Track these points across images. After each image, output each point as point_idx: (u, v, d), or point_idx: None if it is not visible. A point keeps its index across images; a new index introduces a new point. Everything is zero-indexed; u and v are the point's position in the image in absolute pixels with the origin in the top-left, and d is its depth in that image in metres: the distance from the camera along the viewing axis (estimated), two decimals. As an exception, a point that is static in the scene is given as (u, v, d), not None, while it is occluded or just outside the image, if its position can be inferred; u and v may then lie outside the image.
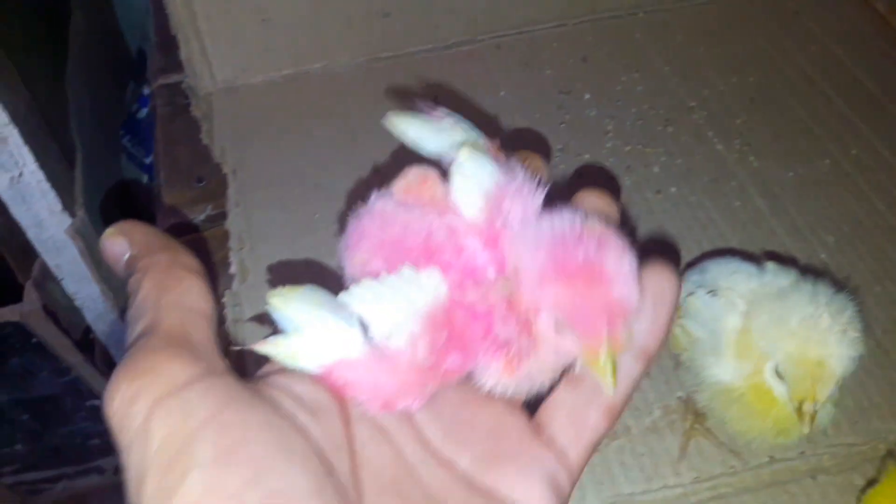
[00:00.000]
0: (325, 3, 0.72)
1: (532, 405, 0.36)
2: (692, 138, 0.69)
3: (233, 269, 0.61)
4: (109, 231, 0.32)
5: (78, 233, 0.80)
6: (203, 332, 0.29)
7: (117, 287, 0.90)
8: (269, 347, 0.30)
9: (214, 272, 0.61)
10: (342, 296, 0.32)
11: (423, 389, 0.31)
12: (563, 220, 0.30)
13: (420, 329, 0.30)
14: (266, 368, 0.32)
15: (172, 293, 0.29)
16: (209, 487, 0.24)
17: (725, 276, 0.47)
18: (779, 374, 0.43)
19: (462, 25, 0.78)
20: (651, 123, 0.70)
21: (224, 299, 0.59)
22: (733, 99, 0.72)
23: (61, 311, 0.93)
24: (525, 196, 0.32)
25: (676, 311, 0.36)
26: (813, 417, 0.42)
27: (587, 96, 0.73)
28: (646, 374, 0.33)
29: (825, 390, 0.42)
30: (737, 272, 0.47)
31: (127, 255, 0.31)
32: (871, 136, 0.69)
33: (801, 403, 0.42)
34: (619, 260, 0.30)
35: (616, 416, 0.33)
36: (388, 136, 0.62)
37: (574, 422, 0.32)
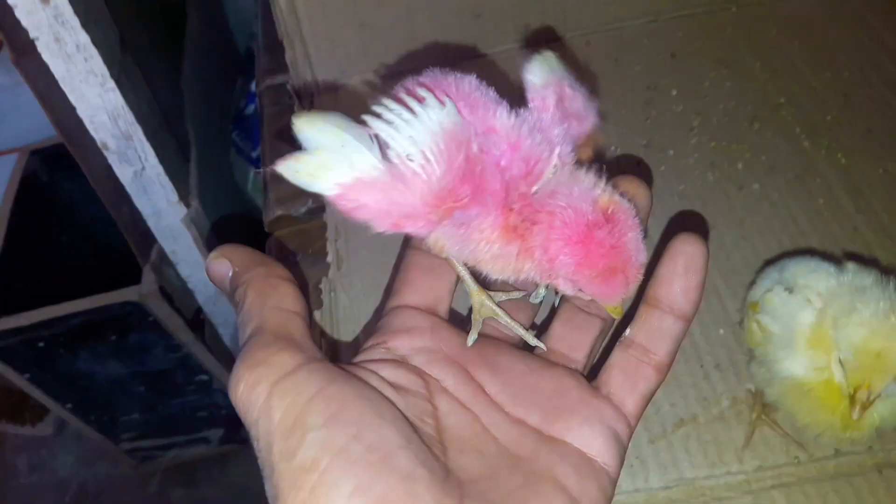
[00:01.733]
0: (418, 8, 0.77)
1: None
2: (779, 135, 0.70)
3: (329, 257, 0.67)
4: (213, 255, 0.40)
5: (192, 222, 0.88)
6: (300, 329, 0.37)
7: (226, 272, 0.99)
8: (290, 163, 0.37)
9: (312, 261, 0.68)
10: (366, 118, 0.37)
11: (433, 214, 0.36)
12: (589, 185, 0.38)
13: (437, 148, 0.35)
14: (358, 357, 0.40)
15: (272, 299, 0.38)
16: (323, 444, 0.31)
17: (804, 274, 0.49)
18: (841, 364, 0.45)
19: (552, 22, 0.82)
20: (737, 120, 0.72)
21: (321, 285, 0.65)
22: (825, 95, 0.73)
23: (176, 293, 1.02)
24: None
25: (705, 275, 0.42)
26: (866, 406, 0.44)
27: (674, 92, 0.75)
28: (686, 332, 0.42)
29: (882, 382, 0.44)
30: (815, 271, 0.49)
31: (231, 273, 0.39)
32: (968, 132, 0.69)
33: (856, 390, 0.44)
34: (630, 232, 0.37)
35: (665, 371, 0.41)
36: None
37: (628, 377, 0.40)
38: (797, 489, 0.51)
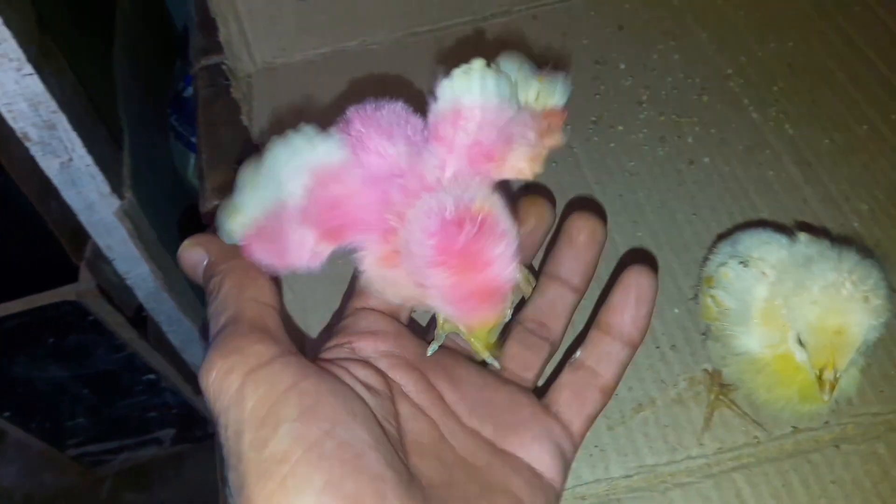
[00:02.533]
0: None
1: (539, 392, 0.44)
2: (728, 107, 0.70)
3: (273, 247, 0.65)
4: (187, 242, 0.41)
5: (126, 214, 0.85)
6: (276, 322, 0.38)
7: (166, 267, 0.96)
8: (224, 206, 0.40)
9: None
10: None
11: (314, 248, 0.37)
12: (454, 200, 0.36)
13: (312, 181, 0.37)
14: (326, 355, 0.40)
15: (250, 290, 0.38)
16: (296, 437, 0.31)
17: (757, 246, 0.49)
18: (800, 342, 0.45)
19: (497, -2, 0.80)
20: (686, 93, 0.72)
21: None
22: (771, 65, 0.73)
23: (114, 291, 0.99)
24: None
25: (654, 305, 0.45)
26: (833, 385, 0.43)
27: (622, 66, 0.74)
28: (631, 359, 0.45)
29: (845, 358, 0.43)
30: (768, 242, 0.49)
31: (205, 262, 0.40)
32: (913, 99, 0.69)
33: (821, 371, 0.43)
34: (497, 244, 0.35)
35: (610, 394, 0.44)
36: (424, 111, 0.65)
37: (576, 398, 0.42)
38: (757, 470, 0.50)
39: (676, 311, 0.58)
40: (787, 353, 0.45)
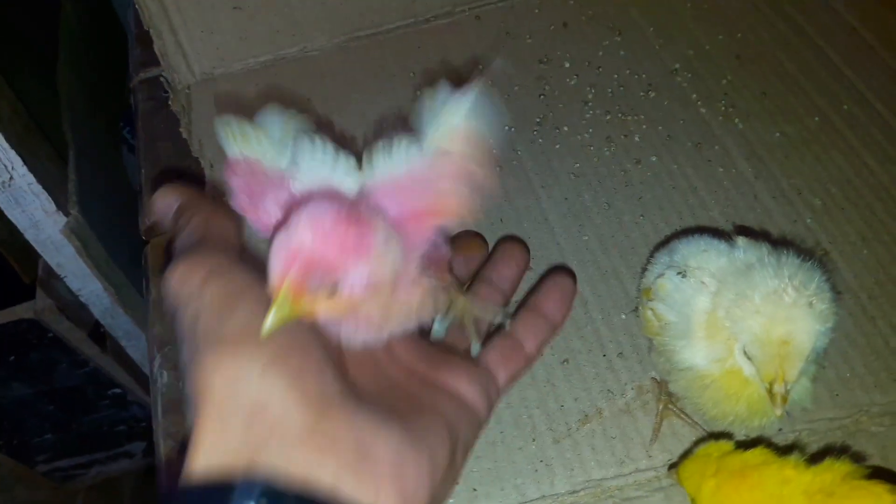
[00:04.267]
0: (292, -15, 0.72)
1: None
2: (675, 103, 0.67)
3: (211, 265, 0.62)
4: (161, 190, 0.44)
5: (73, 232, 0.81)
6: (235, 255, 0.39)
7: (118, 284, 0.92)
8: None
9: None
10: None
11: (272, 222, 0.39)
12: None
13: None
14: None
15: (216, 226, 0.40)
16: (250, 321, 0.33)
17: (694, 255, 0.46)
18: (747, 355, 0.42)
19: (439, -2, 0.77)
20: (633, 90, 0.69)
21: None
22: (720, 58, 0.71)
23: (70, 308, 0.95)
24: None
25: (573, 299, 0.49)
26: (784, 399, 0.41)
27: (567, 65, 0.72)
28: (553, 338, 0.48)
29: (794, 369, 0.40)
30: (706, 250, 0.46)
31: (177, 205, 0.43)
32: (864, 88, 0.67)
33: (771, 384, 0.41)
34: (362, 240, 0.35)
35: (531, 362, 0.47)
36: (366, 117, 0.62)
37: (503, 358, 0.45)
38: (706, 481, 0.48)
39: (623, 316, 0.55)
40: (735, 368, 0.42)
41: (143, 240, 0.66)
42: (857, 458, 0.47)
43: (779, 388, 0.40)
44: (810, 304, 0.40)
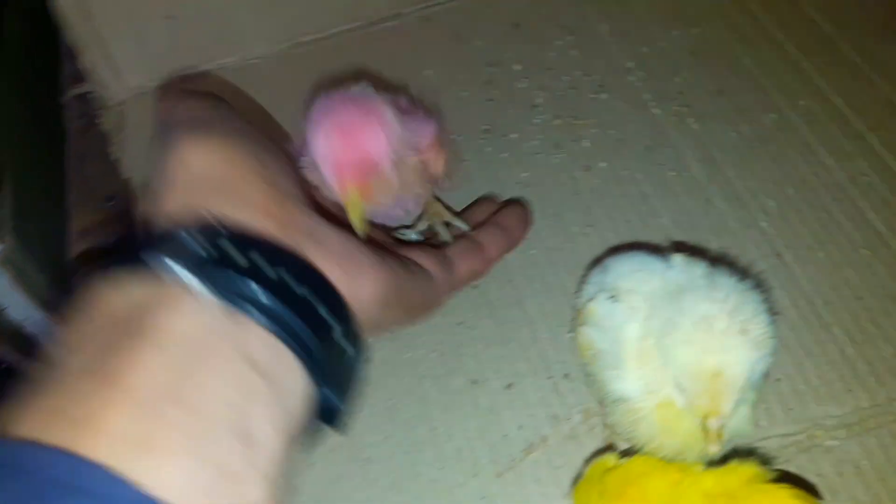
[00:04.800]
0: (229, -8, 0.70)
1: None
2: (627, 104, 0.65)
3: (144, 291, 0.60)
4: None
5: (8, 260, 0.79)
6: None
7: (58, 312, 0.89)
8: None
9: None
10: None
11: None
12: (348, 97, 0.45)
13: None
14: None
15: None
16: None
17: (627, 276, 0.43)
18: (679, 388, 0.39)
19: (387, 0, 0.75)
20: (584, 92, 0.67)
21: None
22: (674, 55, 0.69)
23: (18, 339, 0.93)
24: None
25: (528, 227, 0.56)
26: (719, 434, 0.38)
27: (517, 67, 0.69)
28: (508, 251, 0.53)
29: (727, 403, 0.37)
30: (639, 271, 0.43)
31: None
32: (822, 83, 0.65)
33: (704, 420, 0.38)
34: (375, 123, 0.43)
35: (490, 265, 0.51)
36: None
37: (463, 252, 0.48)
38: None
39: (570, 334, 0.53)
40: (669, 400, 0.40)
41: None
42: (765, 461, 0.45)
43: (712, 424, 0.38)
44: (744, 331, 0.38)
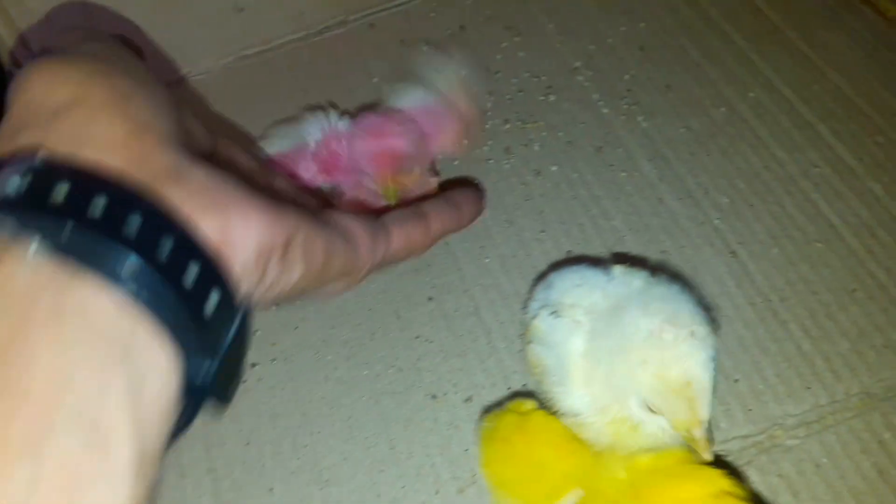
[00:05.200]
0: (168, 11, 0.67)
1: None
2: (576, 105, 0.64)
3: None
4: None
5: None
6: None
7: None
8: None
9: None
10: None
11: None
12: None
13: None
14: None
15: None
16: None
17: (569, 291, 0.42)
18: (650, 409, 0.39)
19: (329, 8, 0.73)
20: (532, 94, 0.66)
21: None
22: (622, 51, 0.68)
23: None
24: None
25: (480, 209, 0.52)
26: (708, 441, 0.38)
27: (465, 72, 0.68)
28: (456, 230, 0.49)
29: (705, 408, 0.37)
30: (580, 285, 0.42)
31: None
32: (772, 74, 0.64)
33: (687, 432, 0.38)
34: (398, 126, 0.56)
35: (429, 239, 0.45)
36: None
37: (402, 218, 0.43)
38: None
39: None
40: (621, 416, 0.39)
41: None
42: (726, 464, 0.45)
43: (699, 433, 0.37)
44: (692, 334, 0.37)
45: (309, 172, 0.57)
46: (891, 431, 0.47)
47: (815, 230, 0.55)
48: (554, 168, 0.60)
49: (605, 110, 0.64)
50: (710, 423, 0.38)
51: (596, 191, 0.59)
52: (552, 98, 0.65)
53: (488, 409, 0.50)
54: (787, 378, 0.49)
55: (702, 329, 0.38)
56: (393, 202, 0.54)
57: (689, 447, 0.39)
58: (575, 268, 0.45)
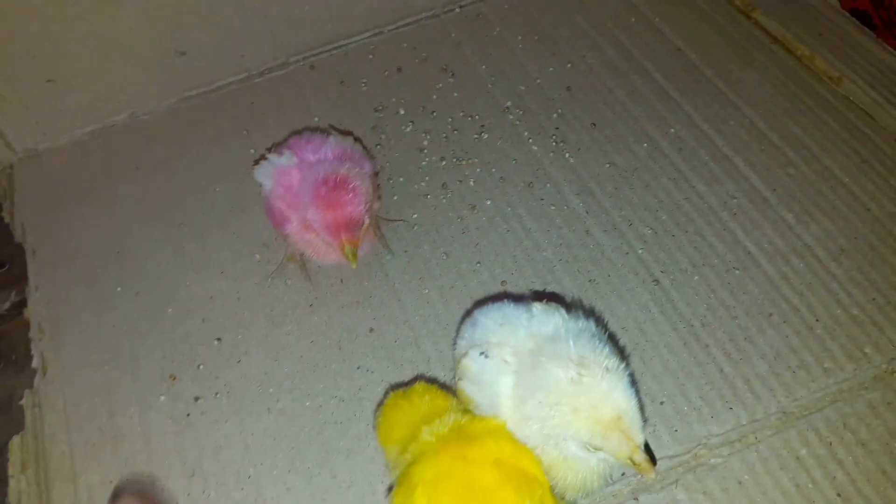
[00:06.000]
0: (109, 55, 0.67)
1: None
2: (507, 143, 0.66)
3: (35, 362, 0.57)
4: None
5: None
6: None
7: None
8: None
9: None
10: None
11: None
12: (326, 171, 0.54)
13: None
14: None
15: None
16: None
17: (494, 330, 0.44)
18: (592, 448, 0.40)
19: (270, 50, 0.74)
20: (467, 132, 0.67)
21: (22, 401, 0.55)
22: (550, 91, 0.70)
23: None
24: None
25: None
26: (651, 460, 0.39)
27: (402, 111, 0.69)
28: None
29: (639, 433, 0.39)
30: (504, 324, 0.44)
31: None
32: (691, 110, 0.67)
33: (629, 459, 0.39)
34: (350, 192, 0.53)
35: None
36: (193, 183, 0.56)
37: None
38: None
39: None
40: (555, 455, 0.40)
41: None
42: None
43: (640, 457, 0.39)
44: (607, 369, 0.39)
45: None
46: (806, 448, 0.48)
47: (733, 258, 0.57)
48: (488, 202, 0.62)
49: (535, 147, 0.65)
50: (646, 443, 0.40)
51: (528, 224, 0.60)
52: (485, 136, 0.66)
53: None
54: (710, 399, 0.51)
55: (613, 362, 0.39)
56: (353, 263, 0.53)
57: (634, 470, 0.40)
58: (497, 305, 0.46)
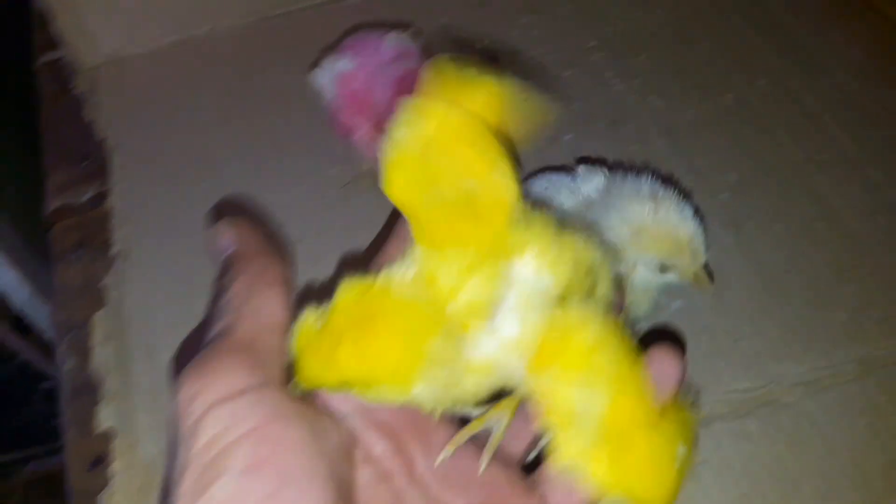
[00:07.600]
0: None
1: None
2: (590, 81, 0.64)
3: (115, 249, 0.57)
4: (221, 225, 0.34)
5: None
6: (270, 343, 0.30)
7: (35, 272, 0.86)
8: None
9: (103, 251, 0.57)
10: None
11: None
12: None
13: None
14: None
15: (255, 301, 0.31)
16: (234, 495, 0.26)
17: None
18: (666, 268, 0.45)
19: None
20: (548, 68, 0.65)
21: (105, 280, 0.55)
22: (636, 35, 0.67)
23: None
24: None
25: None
26: (709, 276, 0.46)
27: (485, 42, 0.67)
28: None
29: (702, 252, 0.45)
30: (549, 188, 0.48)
31: (229, 252, 0.33)
32: (779, 64, 0.64)
33: (695, 276, 0.45)
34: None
35: None
36: (271, 99, 0.56)
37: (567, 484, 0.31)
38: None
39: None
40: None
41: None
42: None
43: (702, 274, 0.45)
44: (668, 199, 0.45)
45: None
46: (886, 396, 0.46)
47: (816, 211, 0.55)
48: (569, 136, 0.60)
49: (619, 88, 0.64)
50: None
51: (610, 160, 0.58)
52: (567, 73, 0.65)
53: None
54: (788, 341, 0.50)
55: (665, 192, 0.45)
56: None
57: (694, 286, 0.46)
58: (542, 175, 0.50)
